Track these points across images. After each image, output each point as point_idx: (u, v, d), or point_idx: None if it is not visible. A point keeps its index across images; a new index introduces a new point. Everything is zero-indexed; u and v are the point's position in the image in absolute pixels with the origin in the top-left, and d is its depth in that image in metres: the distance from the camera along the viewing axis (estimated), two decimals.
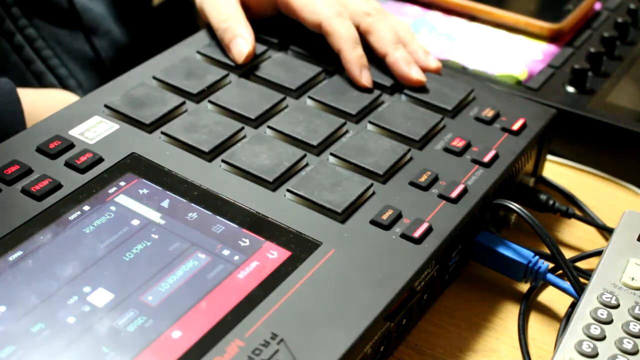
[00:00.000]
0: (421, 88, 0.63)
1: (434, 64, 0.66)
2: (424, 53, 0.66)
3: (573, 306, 0.54)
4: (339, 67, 0.65)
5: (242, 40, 0.64)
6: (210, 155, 0.55)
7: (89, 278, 0.45)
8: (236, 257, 0.48)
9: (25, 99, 0.65)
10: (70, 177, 0.52)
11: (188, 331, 0.43)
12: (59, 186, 0.51)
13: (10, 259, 0.46)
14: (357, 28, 0.65)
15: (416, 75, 0.63)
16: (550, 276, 0.54)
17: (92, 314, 0.43)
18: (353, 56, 0.63)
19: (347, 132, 0.58)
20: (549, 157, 0.68)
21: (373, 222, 0.51)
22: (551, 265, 0.56)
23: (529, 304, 0.56)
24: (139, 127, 0.57)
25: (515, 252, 0.55)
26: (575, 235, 0.62)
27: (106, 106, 0.58)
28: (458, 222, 0.52)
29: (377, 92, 0.62)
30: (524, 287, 0.57)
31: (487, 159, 0.57)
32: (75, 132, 0.56)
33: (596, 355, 0.45)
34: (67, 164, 0.53)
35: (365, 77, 0.62)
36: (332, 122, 0.58)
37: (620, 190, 0.67)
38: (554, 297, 0.56)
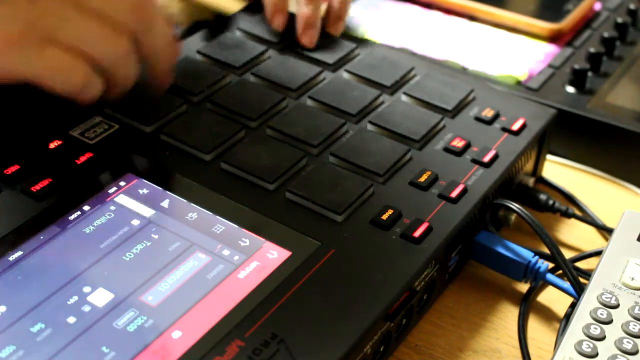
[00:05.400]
0: (421, 88, 0.63)
1: (334, 30, 0.69)
2: (338, 15, 0.69)
3: (573, 306, 0.54)
4: (339, 66, 0.65)
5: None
6: (210, 155, 0.55)
7: (89, 278, 0.45)
8: (236, 257, 0.48)
9: None
10: (70, 177, 0.52)
11: (188, 331, 0.43)
12: (59, 186, 0.51)
13: (10, 259, 0.46)
14: None
15: (304, 40, 0.66)
16: (550, 276, 0.54)
17: (92, 314, 0.43)
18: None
19: (347, 132, 0.58)
20: (549, 157, 0.68)
21: (373, 222, 0.51)
22: (551, 265, 0.56)
23: (528, 304, 0.56)
24: (139, 127, 0.57)
25: (515, 252, 0.55)
26: (575, 235, 0.62)
27: (106, 106, 0.58)
28: (458, 222, 0.52)
29: (376, 92, 0.62)
30: (524, 287, 0.57)
31: (487, 159, 0.57)
32: (75, 132, 0.56)
33: (596, 355, 0.45)
34: (67, 165, 0.53)
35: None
36: (332, 122, 0.58)
37: (620, 190, 0.67)
38: (553, 297, 0.56)
